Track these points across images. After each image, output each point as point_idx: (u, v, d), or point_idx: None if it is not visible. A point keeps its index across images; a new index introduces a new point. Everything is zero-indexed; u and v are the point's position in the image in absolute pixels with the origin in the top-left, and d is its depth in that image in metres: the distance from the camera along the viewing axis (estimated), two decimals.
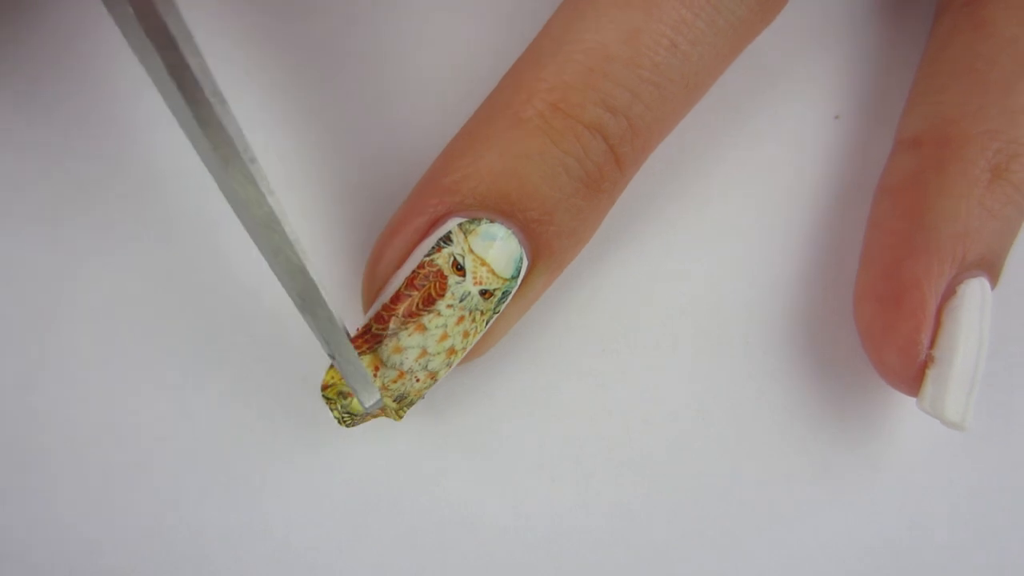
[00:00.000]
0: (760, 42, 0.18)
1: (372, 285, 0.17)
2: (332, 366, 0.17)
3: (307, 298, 0.15)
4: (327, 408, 0.19)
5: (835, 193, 0.21)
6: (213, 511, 0.19)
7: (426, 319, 0.16)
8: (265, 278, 0.19)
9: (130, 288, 0.19)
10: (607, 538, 0.20)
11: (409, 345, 0.16)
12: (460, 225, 0.17)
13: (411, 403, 0.17)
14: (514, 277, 0.17)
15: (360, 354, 0.16)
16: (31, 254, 0.19)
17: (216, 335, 0.19)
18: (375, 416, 0.17)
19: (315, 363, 0.19)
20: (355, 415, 0.17)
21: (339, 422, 0.17)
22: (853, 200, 0.21)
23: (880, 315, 0.19)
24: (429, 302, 0.16)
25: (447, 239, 0.16)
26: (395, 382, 0.17)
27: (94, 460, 0.19)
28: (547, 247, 0.17)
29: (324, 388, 0.17)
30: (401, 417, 0.17)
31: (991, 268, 0.18)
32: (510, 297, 0.17)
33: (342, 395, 0.17)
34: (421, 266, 0.17)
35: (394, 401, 0.17)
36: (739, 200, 0.21)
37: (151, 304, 0.19)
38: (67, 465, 0.19)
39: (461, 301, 0.16)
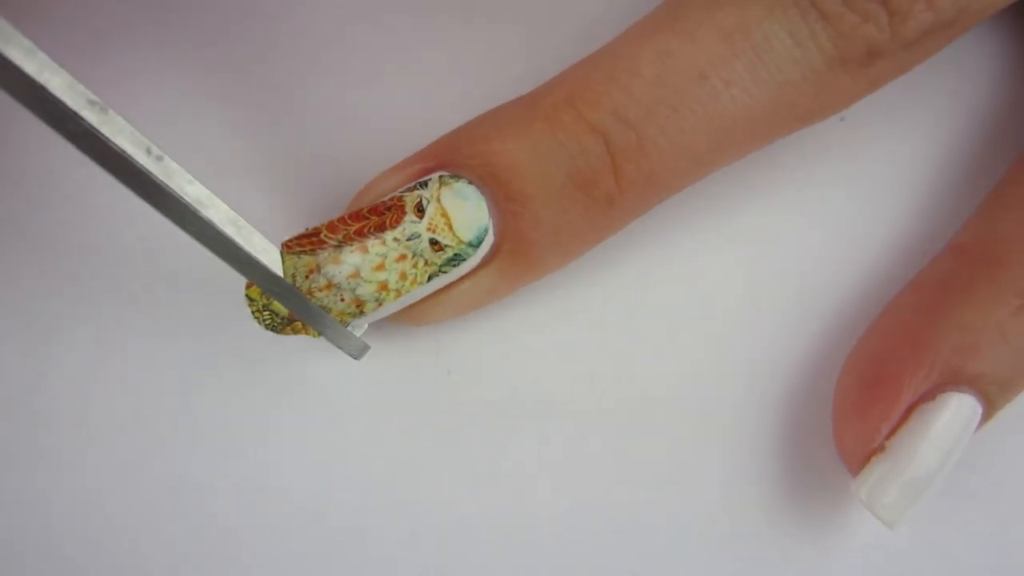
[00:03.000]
0: None
1: None
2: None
3: (282, 287, 0.16)
4: (253, 317, 0.18)
5: (839, 196, 0.21)
6: (212, 511, 0.19)
7: (370, 243, 0.17)
8: None
9: (132, 287, 0.20)
10: (607, 538, 0.19)
11: (345, 261, 0.17)
12: (440, 177, 0.17)
13: None
14: (472, 244, 0.17)
15: (302, 253, 0.17)
16: (31, 253, 0.19)
17: (217, 336, 0.20)
18: (296, 332, 0.18)
19: (316, 364, 0.20)
20: (278, 316, 0.18)
21: (260, 323, 0.18)
22: (858, 205, 0.21)
23: (853, 391, 0.18)
24: (380, 229, 0.17)
25: (424, 184, 0.17)
26: (321, 291, 0.17)
27: (94, 460, 0.19)
28: (517, 233, 0.17)
29: (249, 287, 0.17)
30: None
31: (987, 394, 0.17)
32: (464, 266, 0.17)
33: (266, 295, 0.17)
34: (391, 199, 0.17)
35: None
36: (743, 203, 0.21)
37: (152, 303, 0.20)
38: (67, 465, 0.19)
39: (408, 240, 0.17)
